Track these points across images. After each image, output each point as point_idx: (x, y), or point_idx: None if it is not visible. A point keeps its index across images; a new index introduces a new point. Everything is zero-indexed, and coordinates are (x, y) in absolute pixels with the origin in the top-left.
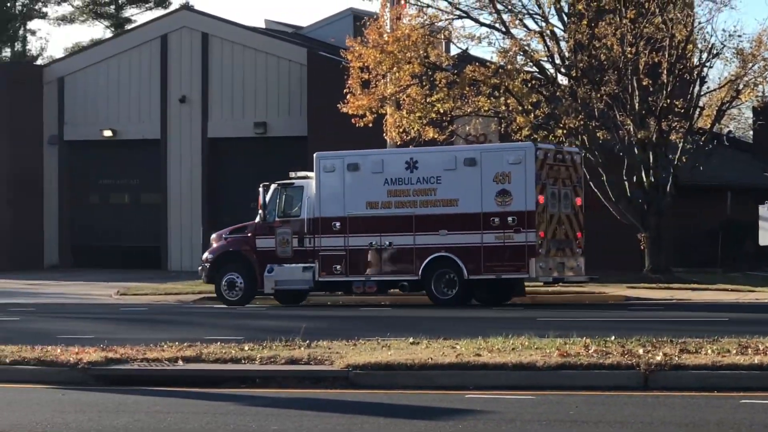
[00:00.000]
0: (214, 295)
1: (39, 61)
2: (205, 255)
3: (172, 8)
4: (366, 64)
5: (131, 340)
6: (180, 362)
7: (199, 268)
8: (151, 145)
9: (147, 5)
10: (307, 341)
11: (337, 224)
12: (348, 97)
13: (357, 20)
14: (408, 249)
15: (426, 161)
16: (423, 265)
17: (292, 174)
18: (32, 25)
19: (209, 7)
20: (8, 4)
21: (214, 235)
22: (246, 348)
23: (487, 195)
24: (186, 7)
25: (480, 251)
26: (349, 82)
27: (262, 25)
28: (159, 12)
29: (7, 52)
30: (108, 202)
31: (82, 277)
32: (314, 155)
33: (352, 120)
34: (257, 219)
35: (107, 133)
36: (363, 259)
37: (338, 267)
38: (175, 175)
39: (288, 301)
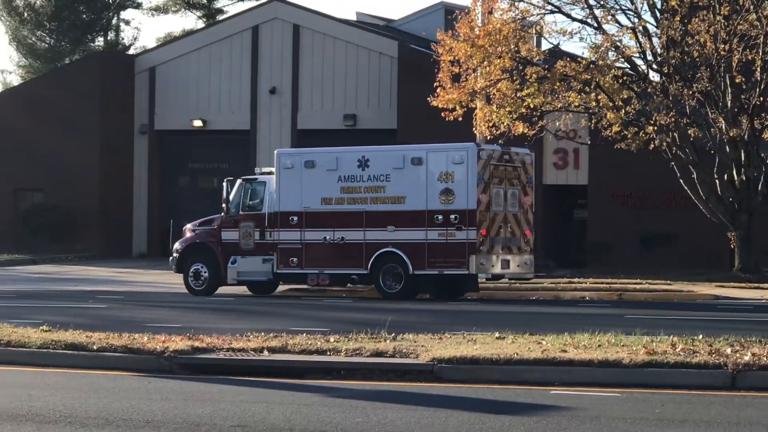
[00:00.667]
0: (304, 286)
1: (131, 51)
2: (176, 245)
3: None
4: (457, 58)
5: (217, 329)
6: (265, 352)
7: (170, 258)
8: (241, 136)
9: None
10: (393, 334)
11: (295, 218)
12: (438, 90)
13: (448, 14)
14: (359, 244)
15: (377, 159)
16: (372, 259)
17: (257, 170)
18: (125, 14)
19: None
20: None
21: (187, 226)
22: (331, 339)
23: (432, 193)
24: None
25: (424, 247)
26: (440, 75)
27: (354, 18)
28: (251, 3)
29: (100, 42)
30: (197, 192)
31: (164, 266)
32: (275, 152)
33: (442, 113)
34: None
35: (197, 123)
36: (317, 253)
37: (294, 260)
38: (265, 165)
39: (259, 292)
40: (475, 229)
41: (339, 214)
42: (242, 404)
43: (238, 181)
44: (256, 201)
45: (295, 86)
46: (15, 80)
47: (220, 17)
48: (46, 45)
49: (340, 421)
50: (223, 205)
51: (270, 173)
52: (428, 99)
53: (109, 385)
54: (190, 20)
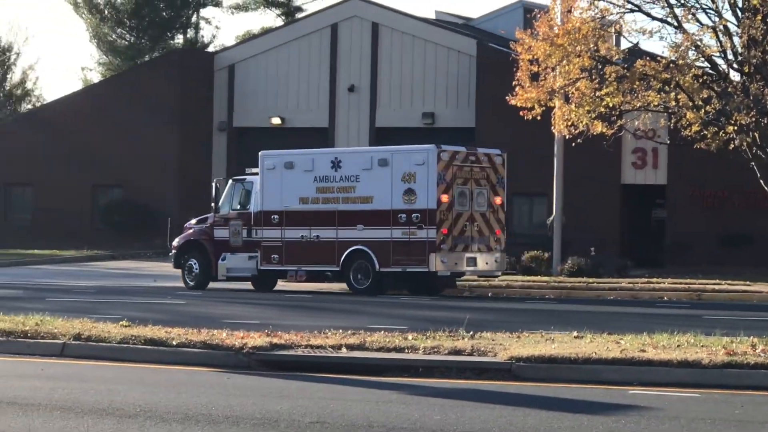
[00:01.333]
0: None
1: (211, 49)
2: (174, 242)
3: None
4: (535, 57)
5: (295, 326)
6: (343, 350)
7: (170, 254)
8: (319, 134)
9: None
10: (471, 332)
11: (276, 217)
12: (517, 89)
13: (527, 12)
14: (332, 242)
15: (348, 161)
16: (343, 257)
17: (248, 170)
18: (205, 12)
19: None
20: None
21: (186, 224)
22: (409, 337)
23: (396, 193)
24: None
25: (390, 245)
26: (518, 74)
27: (432, 16)
28: (330, 1)
29: (179, 40)
30: None
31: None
32: (259, 154)
33: (520, 112)
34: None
35: (276, 121)
36: (295, 250)
37: (275, 257)
38: None
39: (260, 287)
40: (435, 228)
41: (315, 213)
42: (321, 401)
43: (230, 181)
44: (244, 200)
45: (373, 84)
46: (95, 77)
47: (299, 15)
48: (126, 42)
49: (418, 419)
50: (212, 204)
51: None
52: (507, 98)
53: (188, 380)
54: (269, 18)
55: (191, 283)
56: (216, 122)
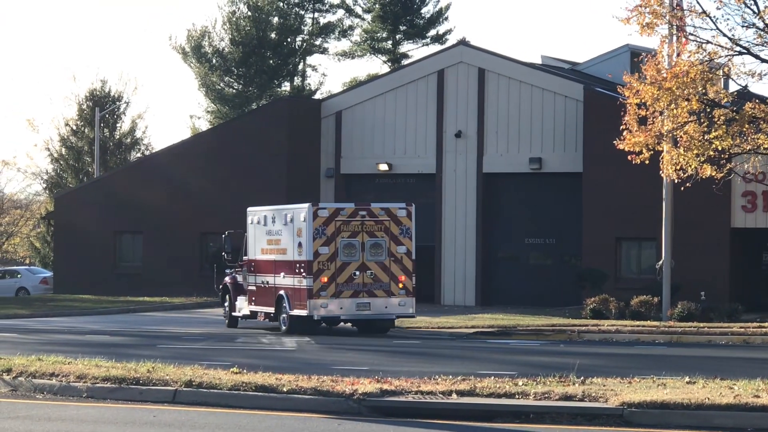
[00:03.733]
0: (487, 330)
1: (317, 96)
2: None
3: (448, 44)
4: (643, 101)
5: (405, 372)
6: (454, 395)
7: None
8: (427, 180)
9: (423, 41)
10: (581, 378)
11: (253, 265)
12: (624, 133)
13: (634, 56)
14: (271, 287)
15: (277, 217)
16: (275, 300)
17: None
18: (312, 60)
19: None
20: (289, 40)
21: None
22: (520, 383)
23: (295, 246)
24: (463, 43)
25: (293, 291)
26: (626, 118)
27: (539, 61)
28: (435, 47)
29: (286, 87)
30: None
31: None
32: (247, 210)
33: (628, 157)
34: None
35: (383, 167)
36: (259, 293)
37: (253, 299)
38: (449, 209)
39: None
40: (311, 277)
41: (265, 262)
42: None
43: (245, 234)
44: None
45: (480, 129)
46: (203, 125)
47: (406, 62)
48: (234, 90)
49: None
50: (223, 254)
51: None
52: (614, 142)
53: (298, 426)
54: (376, 65)
55: (226, 321)
56: (323, 169)
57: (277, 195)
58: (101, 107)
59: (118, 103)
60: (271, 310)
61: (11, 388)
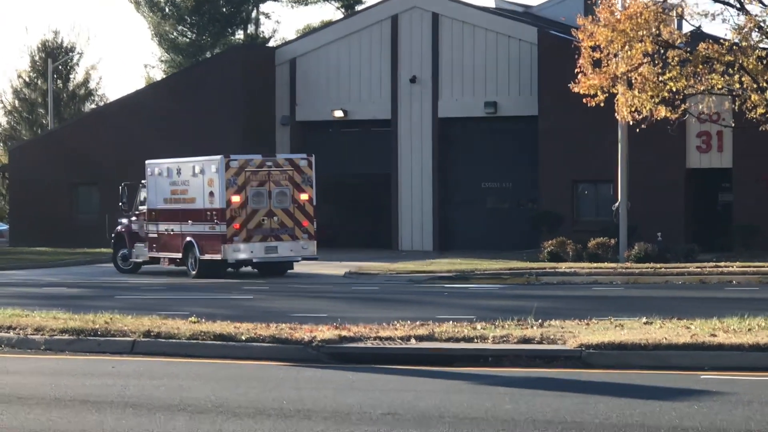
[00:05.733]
0: (445, 275)
1: (271, 44)
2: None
3: None
4: (597, 43)
5: (363, 318)
6: (412, 341)
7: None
8: (382, 125)
9: None
10: (539, 320)
11: (153, 214)
12: (579, 76)
13: None
14: (178, 234)
15: (183, 168)
16: (182, 247)
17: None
18: (265, 7)
19: None
20: None
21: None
22: (478, 327)
23: (206, 195)
24: None
25: (203, 238)
26: (580, 61)
27: (493, 5)
28: None
29: (240, 35)
30: (340, 184)
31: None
32: (145, 162)
33: (583, 100)
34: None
35: (338, 114)
36: (162, 241)
37: (154, 246)
38: (405, 155)
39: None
40: (225, 224)
41: (169, 211)
42: (391, 392)
43: (140, 184)
44: (144, 200)
45: (435, 75)
46: (158, 75)
47: (359, 8)
48: (188, 39)
49: (490, 408)
50: (120, 203)
51: None
52: (569, 85)
53: (258, 374)
54: (329, 11)
55: (125, 268)
56: (279, 117)
57: (232, 144)
58: (54, 58)
59: (71, 54)
60: (178, 255)
61: None
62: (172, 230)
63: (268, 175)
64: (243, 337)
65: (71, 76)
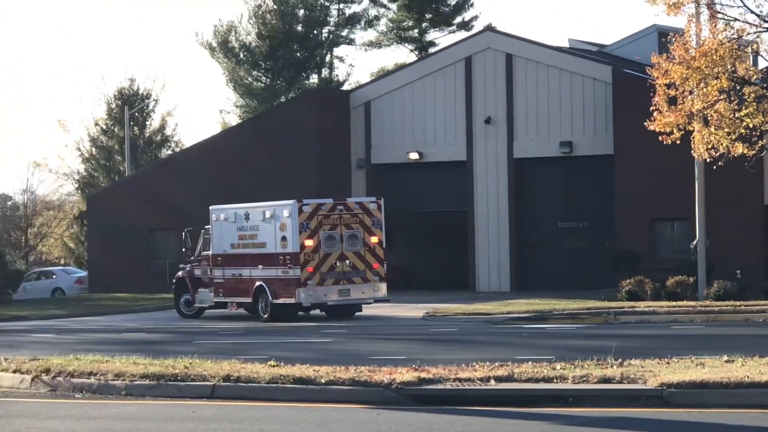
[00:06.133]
0: (523, 315)
1: (345, 87)
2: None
3: (475, 30)
4: (672, 81)
5: (442, 360)
6: (492, 382)
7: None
8: (457, 167)
9: (450, 29)
10: (619, 360)
11: (219, 259)
12: (654, 114)
13: (662, 36)
14: (247, 279)
15: (252, 213)
16: (253, 291)
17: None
18: (339, 51)
19: (512, 28)
20: (315, 32)
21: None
22: (557, 367)
23: (277, 240)
24: (489, 29)
25: (276, 282)
26: (655, 99)
27: (566, 45)
28: (462, 34)
29: (314, 79)
30: (416, 226)
31: (392, 299)
32: (209, 208)
33: (659, 137)
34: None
35: (413, 156)
36: (230, 285)
37: (221, 291)
38: (481, 196)
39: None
40: (299, 268)
41: (238, 256)
42: None
43: (202, 230)
44: (208, 245)
45: (509, 115)
46: (233, 120)
47: (432, 50)
48: (262, 84)
49: None
50: (183, 249)
51: None
52: (645, 123)
53: (337, 417)
54: (403, 54)
55: (188, 314)
56: (354, 160)
57: (308, 187)
58: (130, 106)
59: (146, 101)
60: (248, 300)
61: (50, 388)
62: (241, 275)
63: (340, 219)
64: (322, 381)
65: (147, 123)
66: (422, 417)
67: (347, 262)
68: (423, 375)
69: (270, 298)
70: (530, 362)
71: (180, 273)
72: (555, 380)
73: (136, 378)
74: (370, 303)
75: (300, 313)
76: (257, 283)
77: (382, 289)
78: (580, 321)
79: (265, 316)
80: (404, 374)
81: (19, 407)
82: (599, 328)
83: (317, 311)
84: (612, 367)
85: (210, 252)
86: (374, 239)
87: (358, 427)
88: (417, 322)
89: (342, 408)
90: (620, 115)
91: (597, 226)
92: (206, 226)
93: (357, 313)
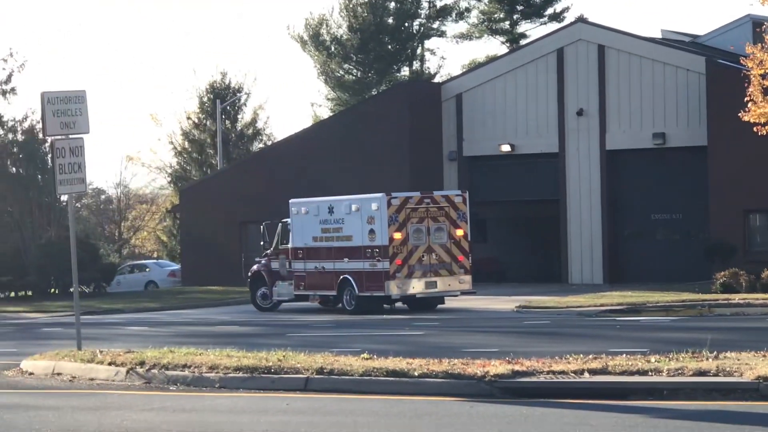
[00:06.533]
0: (616, 308)
1: (437, 79)
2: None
3: (566, 22)
4: (767, 71)
5: (535, 352)
6: (586, 374)
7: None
8: (550, 159)
9: (541, 20)
10: (715, 353)
11: (300, 252)
12: (749, 105)
13: (756, 26)
14: (331, 272)
15: (337, 207)
16: (337, 283)
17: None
18: (430, 44)
19: (604, 19)
20: (406, 24)
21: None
22: (652, 360)
23: (365, 233)
24: (581, 20)
25: (363, 275)
26: (750, 89)
27: (659, 35)
28: (554, 26)
29: (405, 72)
30: (508, 219)
31: (483, 291)
32: (289, 201)
33: (754, 128)
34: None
35: (505, 148)
36: (312, 278)
37: (302, 284)
38: (573, 188)
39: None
40: (388, 260)
41: (321, 249)
42: (565, 426)
43: (279, 223)
44: (286, 238)
45: (601, 107)
46: (324, 113)
47: (523, 42)
48: (354, 77)
49: None
50: (261, 243)
51: None
52: (739, 114)
53: (431, 410)
54: (494, 46)
55: (265, 306)
56: (446, 152)
57: (400, 179)
58: (222, 99)
59: (238, 94)
60: (332, 292)
61: (145, 380)
62: (324, 267)
63: (426, 212)
64: (415, 373)
65: (239, 117)
66: (516, 409)
67: (434, 254)
68: (516, 367)
69: (356, 290)
70: (624, 355)
71: (255, 267)
72: (650, 373)
73: (229, 371)
74: (456, 295)
75: (385, 306)
76: (342, 276)
77: (468, 281)
78: (674, 313)
79: (350, 308)
80: (497, 367)
81: (114, 399)
82: (694, 320)
83: (399, 304)
84: (707, 359)
85: (290, 245)
86: (459, 232)
87: (452, 419)
88: (509, 314)
89: (435, 401)
90: (714, 106)
91: (690, 218)
92: (284, 220)
93: (439, 306)
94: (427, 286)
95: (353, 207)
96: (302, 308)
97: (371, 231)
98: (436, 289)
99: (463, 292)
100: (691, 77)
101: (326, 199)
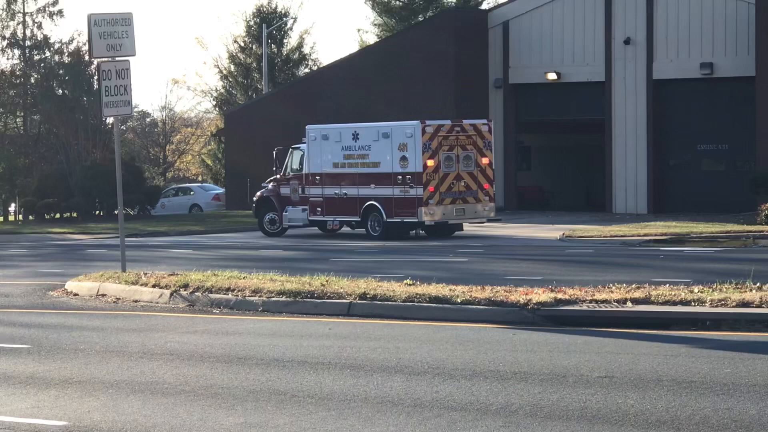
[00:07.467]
0: (660, 237)
1: (484, 6)
2: (254, 199)
3: None
4: None
5: (577, 281)
6: (628, 304)
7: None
8: (595, 88)
9: None
10: (758, 284)
11: (317, 178)
12: None
13: None
14: (354, 198)
15: (363, 133)
16: (362, 210)
17: (304, 139)
18: None
19: None
20: None
21: (262, 183)
22: (695, 290)
23: (395, 160)
24: None
25: (392, 201)
26: None
27: None
28: None
29: None
30: (553, 148)
31: (527, 219)
32: (306, 127)
33: None
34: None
35: (551, 76)
36: (331, 204)
37: (319, 209)
38: (619, 117)
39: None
40: (422, 187)
41: (342, 174)
42: (607, 355)
43: (290, 149)
44: (299, 164)
45: (649, 36)
46: (371, 39)
47: None
48: (400, 3)
49: (708, 372)
50: (274, 168)
51: None
52: None
53: (473, 337)
54: None
55: (272, 232)
56: (491, 80)
57: (445, 107)
58: (268, 23)
59: (284, 19)
60: (355, 218)
61: (188, 303)
62: (346, 194)
63: (456, 140)
64: (458, 300)
65: (285, 41)
66: (558, 337)
67: (462, 182)
68: (559, 296)
69: (384, 216)
70: (667, 285)
71: (262, 192)
72: (692, 303)
73: (273, 294)
74: (483, 222)
75: (411, 232)
76: (368, 202)
77: (492, 208)
78: (718, 244)
79: (375, 234)
80: (540, 295)
81: (158, 321)
82: (737, 251)
83: (417, 230)
84: (751, 291)
85: (304, 171)
86: (485, 160)
87: (494, 346)
88: (553, 242)
89: (477, 327)
90: (763, 36)
91: (736, 149)
92: (295, 146)
93: (457, 232)
94: (456, 213)
95: (382, 133)
96: (312, 234)
97: (403, 158)
98: (464, 216)
99: (490, 220)
100: (740, 6)
101: (350, 125)
